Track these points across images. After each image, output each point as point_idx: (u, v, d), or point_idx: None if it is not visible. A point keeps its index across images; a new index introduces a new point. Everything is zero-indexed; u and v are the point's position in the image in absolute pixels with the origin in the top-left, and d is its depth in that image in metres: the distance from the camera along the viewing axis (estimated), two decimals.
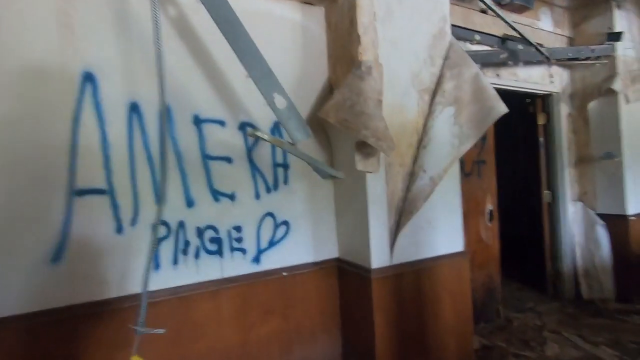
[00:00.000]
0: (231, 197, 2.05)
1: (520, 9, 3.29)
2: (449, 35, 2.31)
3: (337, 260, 2.35)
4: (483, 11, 3.12)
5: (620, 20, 3.50)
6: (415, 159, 2.14)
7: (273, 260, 2.17)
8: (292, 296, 2.22)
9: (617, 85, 3.38)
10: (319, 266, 2.31)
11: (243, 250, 2.08)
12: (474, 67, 2.22)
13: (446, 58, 2.26)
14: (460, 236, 2.35)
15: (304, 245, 2.27)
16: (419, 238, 2.17)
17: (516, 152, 4.37)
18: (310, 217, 2.29)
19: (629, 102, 3.49)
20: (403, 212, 2.08)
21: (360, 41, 2.01)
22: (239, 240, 2.07)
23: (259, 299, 2.13)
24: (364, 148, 1.95)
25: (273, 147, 2.18)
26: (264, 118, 2.13)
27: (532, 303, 3.67)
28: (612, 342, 2.77)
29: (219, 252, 2.02)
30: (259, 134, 1.59)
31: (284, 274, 2.18)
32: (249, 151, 2.11)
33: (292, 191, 2.24)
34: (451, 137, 2.14)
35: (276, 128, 2.19)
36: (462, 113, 2.16)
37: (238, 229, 2.07)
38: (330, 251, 2.36)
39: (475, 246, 3.26)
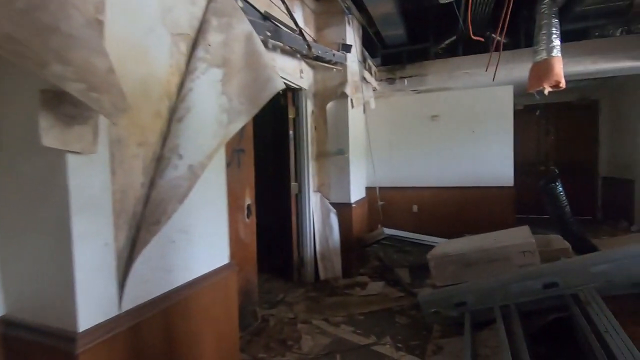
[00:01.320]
0: None
1: None
2: None
3: (3, 322, 1.21)
4: None
5: (350, 35, 4.07)
6: (166, 138, 1.37)
7: None
8: None
9: (347, 89, 3.89)
10: None
11: None
12: (247, 24, 1.70)
13: (211, 0, 1.62)
14: (225, 244, 1.80)
15: None
16: (169, 258, 1.43)
17: (269, 142, 4.35)
18: None
19: (354, 107, 4.12)
20: (144, 221, 1.28)
21: None
22: None
23: None
24: (61, 105, 1.00)
25: None
26: None
27: (282, 293, 3.70)
28: (347, 318, 3.09)
29: None
30: None
31: None
32: None
33: None
34: (218, 110, 1.53)
35: None
36: (232, 80, 1.60)
37: None
38: None
39: (234, 247, 2.83)
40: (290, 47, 3.10)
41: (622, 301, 2.17)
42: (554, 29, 3.67)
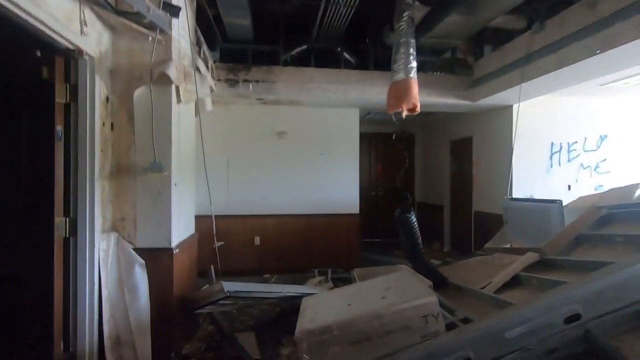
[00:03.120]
0: None
1: None
2: None
3: None
4: None
5: None
6: None
7: None
8: None
9: (172, 72, 2.52)
10: None
11: None
12: None
13: None
14: None
15: None
16: None
17: (11, 142, 2.43)
18: None
19: (181, 102, 2.77)
20: None
21: None
22: None
23: None
24: None
25: None
26: None
27: None
28: None
29: None
30: None
31: None
32: None
33: None
34: None
35: None
36: None
37: None
38: None
39: None
40: None
41: None
42: (411, 49, 3.44)
